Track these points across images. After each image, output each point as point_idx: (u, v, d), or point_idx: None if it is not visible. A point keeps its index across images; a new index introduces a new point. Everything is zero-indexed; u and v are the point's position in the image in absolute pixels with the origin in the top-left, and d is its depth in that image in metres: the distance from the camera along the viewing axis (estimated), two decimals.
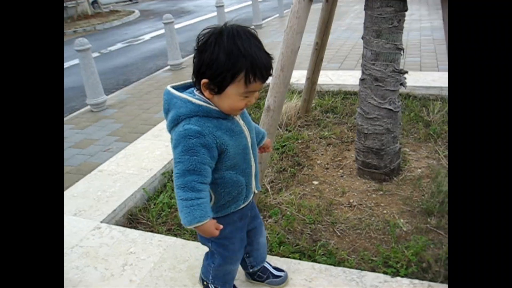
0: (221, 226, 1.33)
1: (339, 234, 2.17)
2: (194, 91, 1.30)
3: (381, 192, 2.49)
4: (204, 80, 1.22)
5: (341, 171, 2.77)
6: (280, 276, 1.76)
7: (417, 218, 2.23)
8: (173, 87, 1.33)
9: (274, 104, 2.18)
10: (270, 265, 1.79)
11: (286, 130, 3.37)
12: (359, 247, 2.06)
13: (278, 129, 3.40)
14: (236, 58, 1.16)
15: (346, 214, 2.32)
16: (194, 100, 1.25)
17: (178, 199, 1.26)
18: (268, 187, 2.60)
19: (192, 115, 1.25)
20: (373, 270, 1.87)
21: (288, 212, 2.34)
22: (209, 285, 1.63)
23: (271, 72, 1.23)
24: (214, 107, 1.27)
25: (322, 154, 2.98)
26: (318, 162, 2.90)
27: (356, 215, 2.31)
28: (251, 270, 1.73)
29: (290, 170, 2.79)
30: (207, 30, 1.21)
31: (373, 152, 2.51)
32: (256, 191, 1.51)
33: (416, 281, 1.66)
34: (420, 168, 2.69)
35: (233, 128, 1.31)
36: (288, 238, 2.14)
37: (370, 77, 2.35)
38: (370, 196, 2.48)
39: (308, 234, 2.19)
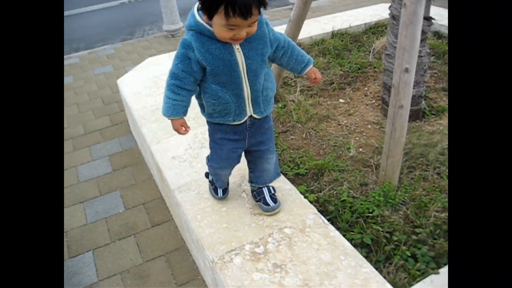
0: (189, 128, 1.57)
1: (304, 136, 2.60)
2: None
3: (377, 126, 2.64)
4: (200, 5, 1.35)
5: (373, 101, 2.93)
6: (269, 205, 1.78)
7: (371, 153, 2.39)
8: None
9: (294, 16, 2.61)
10: (270, 191, 1.83)
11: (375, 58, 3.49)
12: (303, 148, 2.48)
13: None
14: None
15: (327, 127, 2.66)
16: (197, 17, 1.40)
17: (164, 92, 1.53)
18: (298, 88, 3.08)
19: (191, 29, 1.43)
20: (282, 162, 2.33)
21: (288, 107, 2.84)
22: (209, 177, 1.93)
23: (252, 11, 1.26)
24: (209, 27, 1.38)
25: (378, 85, 3.11)
26: (366, 88, 3.08)
27: (333, 131, 2.62)
28: (249, 184, 1.89)
29: (334, 86, 3.12)
30: None
31: (386, 88, 2.61)
32: (256, 116, 1.60)
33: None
34: (442, 126, 2.59)
35: (222, 50, 1.42)
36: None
37: (390, 14, 2.40)
38: (363, 125, 2.67)
39: (285, 127, 2.69)
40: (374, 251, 1.73)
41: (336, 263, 1.55)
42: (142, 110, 2.77)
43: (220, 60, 1.43)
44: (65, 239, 2.34)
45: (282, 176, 2.02)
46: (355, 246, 1.66)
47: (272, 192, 1.83)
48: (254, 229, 1.74)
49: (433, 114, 2.69)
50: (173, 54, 3.67)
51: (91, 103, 3.97)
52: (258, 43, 1.48)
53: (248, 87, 1.51)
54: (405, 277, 1.61)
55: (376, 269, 1.55)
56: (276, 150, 1.92)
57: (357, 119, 2.73)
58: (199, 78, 1.49)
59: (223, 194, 1.91)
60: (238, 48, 1.43)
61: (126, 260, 2.16)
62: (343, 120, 2.73)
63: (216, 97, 1.51)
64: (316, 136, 2.58)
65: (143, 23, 6.84)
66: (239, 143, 1.67)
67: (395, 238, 1.76)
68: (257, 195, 1.83)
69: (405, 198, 1.99)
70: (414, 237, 1.77)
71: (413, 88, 2.52)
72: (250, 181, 1.86)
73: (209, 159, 1.80)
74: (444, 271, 1.60)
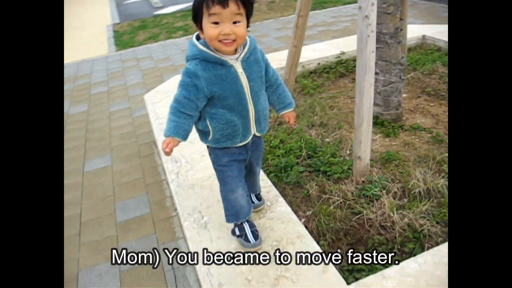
0: (171, 151, 1.52)
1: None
2: None
3: None
4: (192, 16, 1.47)
5: None
6: (254, 203, 2.02)
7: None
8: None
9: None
10: (256, 195, 2.05)
11: None
12: None
13: None
14: None
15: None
16: (198, 45, 1.49)
17: (167, 116, 1.57)
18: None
19: (194, 58, 1.50)
20: None
21: None
22: (233, 228, 1.85)
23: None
24: (213, 53, 1.48)
25: None
26: None
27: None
28: None
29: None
30: None
31: None
32: (257, 134, 1.71)
33: None
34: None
35: (227, 75, 1.51)
36: None
37: None
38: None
39: None
40: None
41: None
42: None
43: (227, 83, 1.52)
44: None
45: None
46: None
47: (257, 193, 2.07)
48: None
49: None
50: None
51: None
52: (257, 67, 1.60)
53: (252, 107, 1.61)
54: None
55: None
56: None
57: None
58: (200, 106, 1.56)
59: (255, 239, 1.80)
60: (241, 72, 1.54)
61: None
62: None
63: (224, 121, 1.58)
64: None
65: None
66: (243, 161, 1.76)
67: None
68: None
69: None
70: None
71: (395, 97, 2.96)
72: None
73: (221, 191, 1.80)
74: None
